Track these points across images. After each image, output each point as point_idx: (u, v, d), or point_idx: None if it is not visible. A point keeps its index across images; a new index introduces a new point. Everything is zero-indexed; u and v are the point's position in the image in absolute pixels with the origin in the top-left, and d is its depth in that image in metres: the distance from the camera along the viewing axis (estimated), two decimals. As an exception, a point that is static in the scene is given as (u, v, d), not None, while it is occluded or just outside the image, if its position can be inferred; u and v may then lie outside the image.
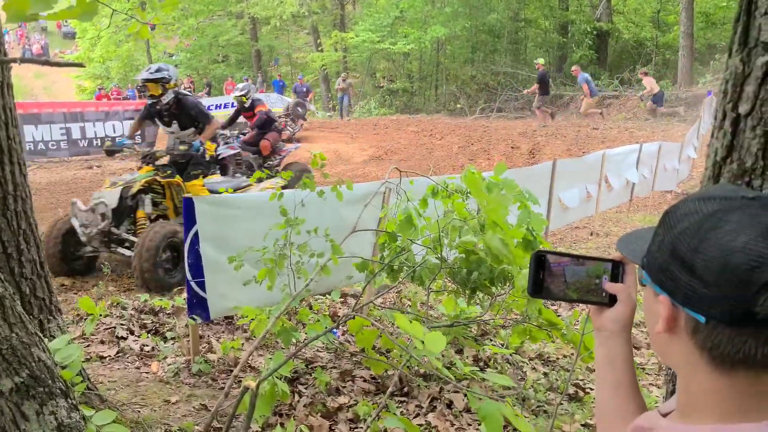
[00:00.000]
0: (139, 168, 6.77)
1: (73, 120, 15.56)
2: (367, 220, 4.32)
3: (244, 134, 10.61)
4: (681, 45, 20.90)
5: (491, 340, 4.52)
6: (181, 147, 6.64)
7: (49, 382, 2.18)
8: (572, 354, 4.49)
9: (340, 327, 4.49)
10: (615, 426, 1.11)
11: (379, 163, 15.92)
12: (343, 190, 3.99)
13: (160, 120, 6.88)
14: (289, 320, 4.02)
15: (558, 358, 4.51)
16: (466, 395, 3.38)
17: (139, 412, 3.19)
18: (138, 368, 3.89)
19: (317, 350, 4.21)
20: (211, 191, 6.47)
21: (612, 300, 1.13)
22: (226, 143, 9.40)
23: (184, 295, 4.16)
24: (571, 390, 3.94)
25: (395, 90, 27.43)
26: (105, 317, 4.54)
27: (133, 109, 16.96)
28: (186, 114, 6.71)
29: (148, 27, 2.93)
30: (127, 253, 6.14)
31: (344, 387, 3.70)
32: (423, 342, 2.15)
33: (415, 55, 28.00)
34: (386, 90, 27.32)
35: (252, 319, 3.67)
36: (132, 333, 4.39)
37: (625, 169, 9.59)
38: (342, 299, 5.29)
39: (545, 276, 1.14)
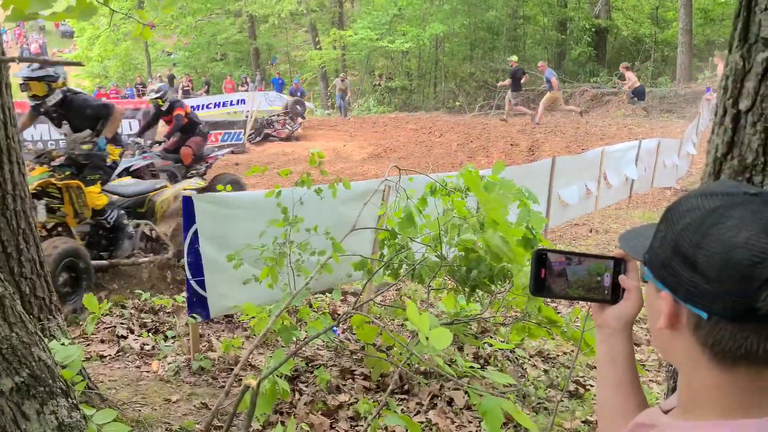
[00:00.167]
0: (32, 169, 5.71)
1: (71, 119, 15.52)
2: (366, 218, 4.32)
3: (159, 143, 9.49)
4: (680, 41, 20.90)
5: (491, 338, 4.52)
6: (84, 146, 5.88)
7: (50, 381, 2.18)
8: (572, 351, 4.50)
9: (340, 325, 4.49)
10: (616, 423, 1.11)
11: (378, 161, 15.91)
12: (341, 187, 3.98)
13: (51, 121, 6.28)
14: (290, 318, 4.01)
15: (558, 355, 4.52)
16: (466, 392, 3.39)
17: (139, 411, 3.19)
18: (138, 367, 3.89)
19: (317, 348, 4.21)
20: (122, 194, 6.22)
21: (615, 297, 1.13)
22: (143, 153, 8.65)
23: (184, 293, 4.16)
24: (572, 387, 3.95)
25: (394, 88, 27.41)
26: (105, 316, 4.54)
27: (132, 108, 16.94)
28: (78, 115, 6.01)
29: (150, 28, 2.92)
30: None
31: (345, 385, 3.70)
32: (428, 338, 2.14)
33: (414, 53, 27.98)
34: (385, 88, 27.28)
35: (252, 317, 3.67)
36: (132, 332, 4.39)
37: (624, 165, 9.59)
38: (342, 297, 5.29)
39: (547, 274, 1.14)
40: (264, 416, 3.08)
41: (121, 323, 4.48)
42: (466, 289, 3.68)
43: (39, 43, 39.35)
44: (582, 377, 4.15)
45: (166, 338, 4.36)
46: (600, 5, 25.70)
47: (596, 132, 16.73)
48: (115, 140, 6.55)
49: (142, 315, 4.74)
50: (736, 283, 0.78)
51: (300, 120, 20.04)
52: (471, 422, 3.40)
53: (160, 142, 9.41)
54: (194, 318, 3.88)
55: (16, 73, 6.30)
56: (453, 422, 3.37)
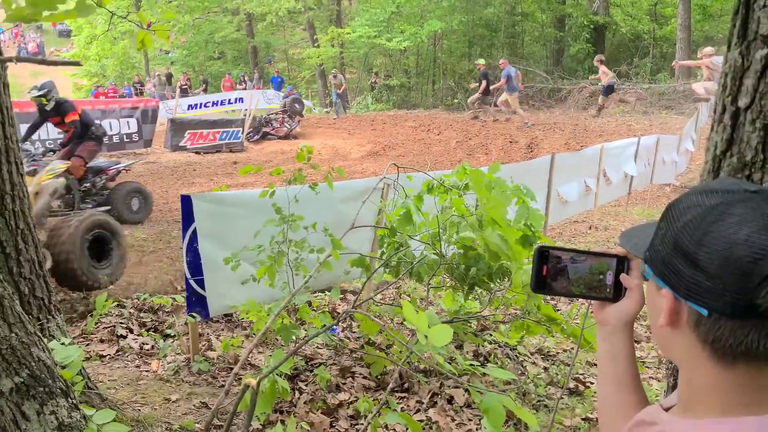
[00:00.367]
0: None
1: (69, 118, 15.51)
2: (365, 217, 4.32)
3: (54, 151, 8.34)
4: (678, 38, 20.87)
5: (491, 335, 4.52)
6: None
7: (49, 381, 2.18)
8: (572, 348, 4.50)
9: (340, 324, 4.49)
10: (617, 420, 1.12)
11: (376, 158, 15.91)
12: (340, 186, 3.98)
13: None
14: (289, 317, 4.01)
15: (558, 353, 4.52)
16: (467, 390, 3.39)
17: (139, 410, 3.19)
18: (138, 367, 3.89)
19: (317, 347, 4.21)
20: None
21: (616, 295, 1.13)
22: (33, 160, 7.68)
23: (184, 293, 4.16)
24: (572, 384, 3.95)
25: (392, 85, 27.37)
26: (105, 316, 4.54)
27: (129, 107, 16.92)
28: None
29: (152, 35, 2.91)
30: None
31: (344, 384, 3.70)
32: (426, 336, 2.14)
33: (412, 51, 27.94)
34: (383, 85, 27.25)
35: (252, 314, 3.67)
36: (131, 331, 4.39)
37: (624, 162, 9.59)
38: (341, 296, 5.29)
39: (549, 271, 1.13)
40: (264, 415, 3.08)
41: (121, 323, 4.48)
42: (464, 287, 3.68)
43: (36, 42, 39.28)
44: (582, 374, 4.16)
45: (165, 338, 4.36)
46: (598, 2, 25.67)
47: (595, 129, 16.74)
48: None
49: (142, 314, 4.73)
50: (737, 279, 0.78)
51: (298, 118, 20.04)
52: (471, 420, 3.40)
53: (54, 150, 8.36)
54: (193, 317, 3.87)
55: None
56: (453, 420, 3.37)
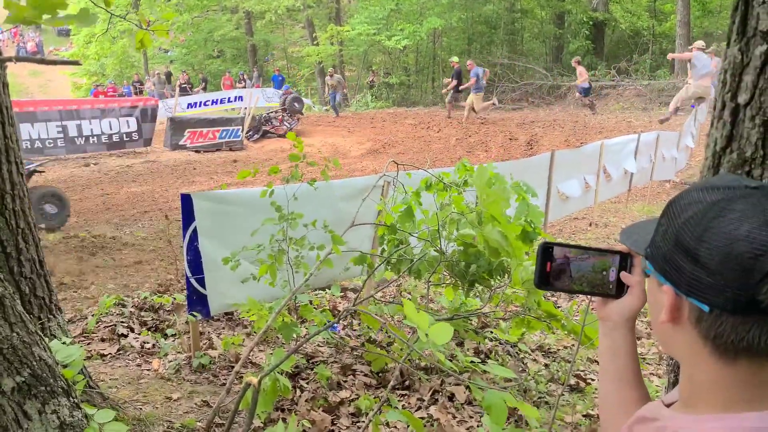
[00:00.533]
0: None
1: (69, 118, 15.52)
2: (365, 215, 4.31)
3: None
4: (678, 34, 20.87)
5: (491, 332, 4.53)
6: None
7: (51, 381, 2.18)
8: (573, 345, 4.50)
9: (341, 322, 4.49)
10: (618, 417, 1.12)
11: (376, 156, 15.91)
12: (340, 184, 3.98)
13: None
14: (290, 315, 4.02)
15: (559, 350, 4.53)
16: (468, 387, 3.39)
17: (140, 409, 3.19)
18: (139, 365, 3.89)
19: (318, 345, 4.21)
20: None
21: (619, 292, 1.13)
22: None
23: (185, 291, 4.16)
24: (573, 381, 3.95)
25: (392, 83, 27.36)
26: (105, 315, 4.54)
27: (129, 105, 16.92)
28: None
29: (150, 35, 2.91)
30: None
31: (345, 381, 3.71)
32: (427, 335, 2.14)
33: (412, 48, 27.91)
34: (383, 83, 27.23)
35: (253, 314, 3.67)
36: (132, 330, 4.39)
37: (623, 159, 9.58)
38: (342, 293, 5.30)
39: (552, 268, 1.14)
40: (265, 413, 3.08)
41: (122, 322, 4.48)
42: (465, 284, 3.68)
43: (35, 41, 39.27)
44: (583, 371, 4.16)
45: (166, 336, 4.36)
46: (597, -2, 25.67)
47: (595, 125, 16.74)
48: None
49: (142, 313, 4.73)
50: (738, 275, 0.78)
51: (298, 116, 20.04)
52: (472, 417, 3.41)
53: None
54: (194, 316, 3.88)
55: None
56: (454, 417, 3.38)
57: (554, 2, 26.76)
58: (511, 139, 16.21)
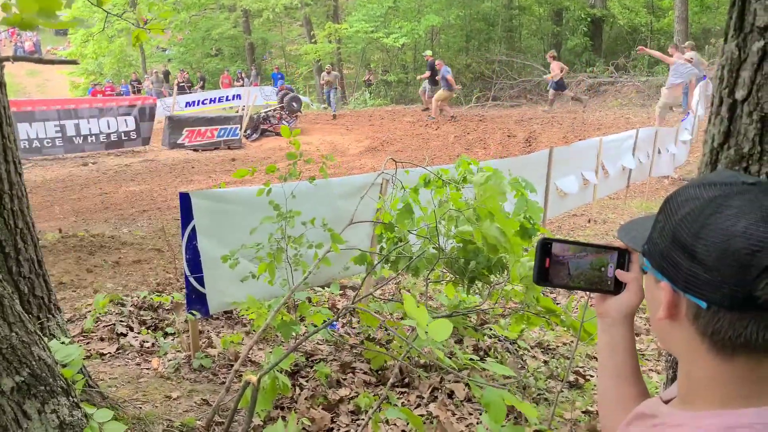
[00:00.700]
0: None
1: (67, 117, 15.50)
2: (363, 213, 4.32)
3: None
4: (676, 30, 20.83)
5: (491, 329, 4.53)
6: None
7: (50, 380, 2.18)
8: (572, 341, 4.51)
9: (340, 320, 4.49)
10: (616, 413, 1.12)
11: (375, 154, 15.90)
12: (338, 182, 3.98)
13: None
14: (289, 314, 4.02)
15: (558, 346, 4.53)
16: (467, 385, 3.40)
17: (140, 408, 3.19)
18: (138, 364, 3.89)
19: (317, 343, 4.22)
20: None
21: (617, 288, 1.13)
22: None
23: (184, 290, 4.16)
24: (572, 377, 3.96)
25: (390, 81, 27.33)
26: (105, 314, 4.54)
27: (127, 104, 16.90)
28: None
29: (146, 32, 2.91)
30: None
31: (345, 379, 3.71)
32: (426, 332, 2.14)
33: (410, 45, 27.88)
34: (381, 81, 27.21)
35: (252, 312, 3.67)
36: (131, 329, 4.39)
37: (622, 155, 9.58)
38: (341, 291, 5.30)
39: (551, 264, 1.14)
40: (265, 412, 3.08)
41: (121, 321, 4.48)
42: (465, 280, 3.68)
43: (33, 40, 39.17)
44: (582, 368, 4.17)
45: (165, 335, 4.36)
46: (595, -5, 25.64)
47: (593, 122, 16.74)
48: None
49: (141, 312, 4.73)
50: (735, 271, 0.78)
51: (296, 115, 20.03)
52: (471, 414, 3.41)
53: None
54: (193, 315, 3.88)
55: None
56: (454, 414, 3.38)
57: (552, -1, 26.77)
58: (509, 136, 16.21)
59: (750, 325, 0.80)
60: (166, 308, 4.89)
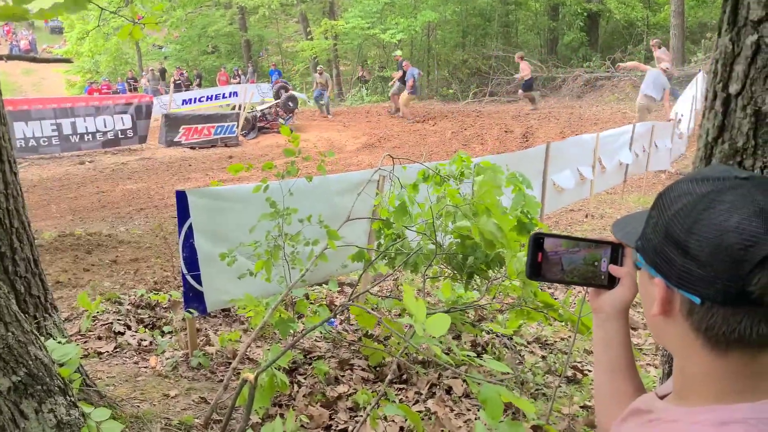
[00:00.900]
0: None
1: (63, 115, 15.47)
2: (360, 209, 4.31)
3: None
4: (672, 24, 20.82)
5: (488, 325, 4.53)
6: None
7: (47, 380, 2.18)
8: (570, 337, 4.52)
9: (338, 316, 4.49)
10: (612, 408, 1.12)
11: (372, 150, 15.90)
12: (336, 179, 3.97)
13: None
14: (287, 311, 4.02)
15: (555, 341, 4.54)
16: (465, 380, 3.40)
17: (138, 406, 3.19)
18: (136, 363, 3.89)
19: (315, 340, 4.22)
20: None
21: (611, 283, 1.13)
22: None
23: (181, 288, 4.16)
24: (570, 372, 3.96)
25: (387, 77, 27.29)
26: (102, 313, 4.54)
27: (123, 102, 16.87)
28: None
29: (141, 27, 2.90)
30: None
31: (343, 376, 3.71)
32: (424, 329, 2.14)
33: (406, 42, 27.83)
34: (378, 77, 27.17)
35: (250, 310, 3.67)
36: (129, 328, 4.39)
37: (618, 150, 9.59)
38: (339, 288, 5.30)
39: (543, 258, 1.14)
40: (263, 409, 3.09)
41: (118, 319, 4.47)
42: (463, 276, 3.68)
43: (28, 39, 39.07)
44: (580, 363, 4.17)
45: (163, 333, 4.36)
46: (592, -11, 25.62)
47: (590, 117, 16.75)
48: None
49: (139, 311, 4.73)
50: (728, 267, 0.78)
51: (293, 113, 20.01)
52: (470, 410, 3.42)
53: None
54: (191, 313, 3.87)
55: None
56: (452, 410, 3.39)
57: (548, -6, 26.74)
58: (506, 132, 16.21)
59: (744, 320, 0.80)
60: (164, 306, 4.89)
